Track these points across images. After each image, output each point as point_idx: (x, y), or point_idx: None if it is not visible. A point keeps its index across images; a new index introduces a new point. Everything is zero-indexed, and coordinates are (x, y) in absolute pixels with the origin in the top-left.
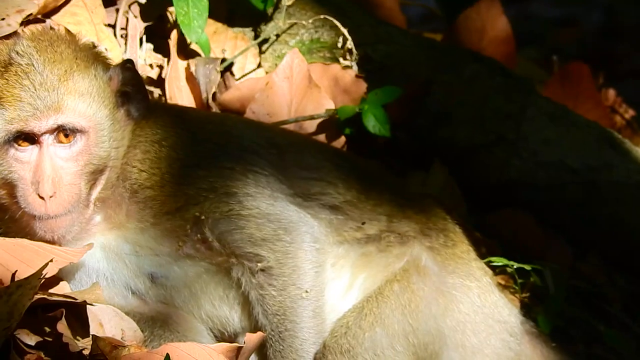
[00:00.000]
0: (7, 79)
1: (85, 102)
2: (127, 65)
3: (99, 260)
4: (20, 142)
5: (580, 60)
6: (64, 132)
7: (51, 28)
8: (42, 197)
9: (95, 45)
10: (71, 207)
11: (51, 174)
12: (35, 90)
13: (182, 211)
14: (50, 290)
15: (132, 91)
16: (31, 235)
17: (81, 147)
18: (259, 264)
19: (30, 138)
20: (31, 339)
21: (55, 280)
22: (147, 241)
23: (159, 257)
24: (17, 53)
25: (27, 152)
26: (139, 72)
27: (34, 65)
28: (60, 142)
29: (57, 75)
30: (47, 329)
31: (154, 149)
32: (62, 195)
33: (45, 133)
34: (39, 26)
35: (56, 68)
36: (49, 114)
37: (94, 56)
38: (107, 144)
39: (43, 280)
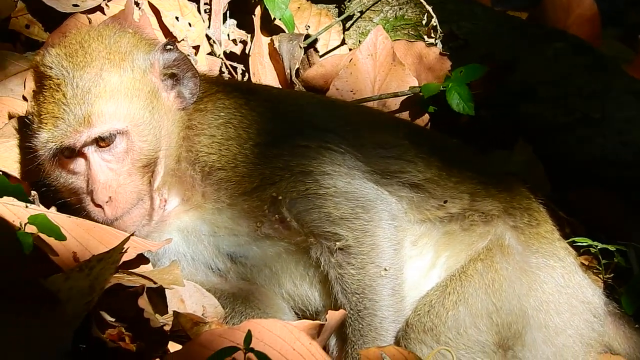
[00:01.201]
0: (43, 94)
1: (117, 102)
2: (167, 47)
3: (178, 244)
4: (65, 155)
5: None
6: (102, 139)
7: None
8: (99, 205)
9: (136, 31)
10: (131, 205)
11: (103, 180)
12: (67, 103)
13: (258, 191)
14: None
15: (180, 72)
16: None
17: (125, 147)
18: (337, 243)
19: (72, 150)
20: (112, 314)
21: (136, 263)
22: (224, 222)
23: (237, 237)
24: (47, 66)
25: (75, 164)
26: (223, 46)
27: (64, 74)
28: (102, 147)
29: (87, 80)
30: (129, 304)
31: (219, 132)
32: (119, 198)
33: (84, 146)
34: (75, 25)
35: (86, 72)
36: (81, 129)
37: (132, 45)
38: (151, 135)
39: (124, 253)
